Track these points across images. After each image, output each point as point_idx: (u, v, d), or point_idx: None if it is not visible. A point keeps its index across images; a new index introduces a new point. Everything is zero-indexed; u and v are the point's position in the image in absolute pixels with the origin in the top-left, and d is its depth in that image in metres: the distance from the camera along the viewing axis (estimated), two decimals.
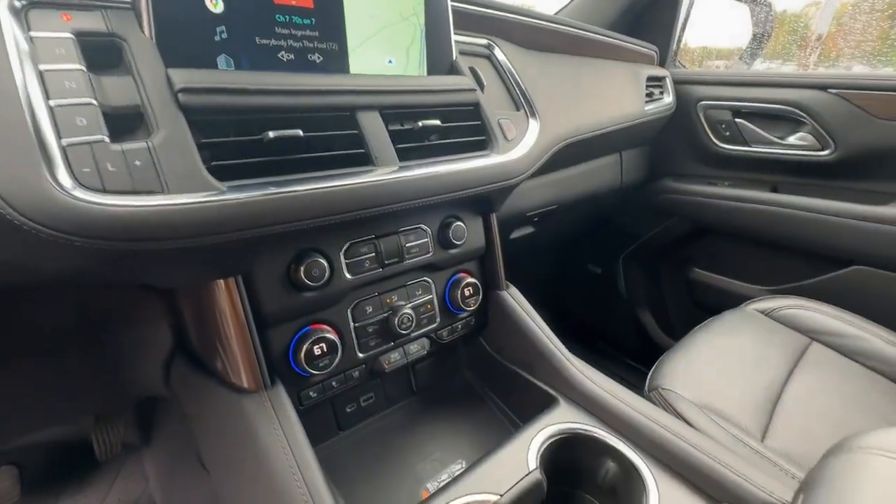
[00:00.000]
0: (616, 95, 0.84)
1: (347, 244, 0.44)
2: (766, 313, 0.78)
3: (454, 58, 0.53)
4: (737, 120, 0.96)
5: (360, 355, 0.47)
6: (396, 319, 0.47)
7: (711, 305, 0.86)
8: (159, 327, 0.47)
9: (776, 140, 0.92)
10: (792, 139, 0.90)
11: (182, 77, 0.33)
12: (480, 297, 0.55)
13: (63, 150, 0.28)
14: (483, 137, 0.52)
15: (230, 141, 0.35)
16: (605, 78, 0.84)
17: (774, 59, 1.38)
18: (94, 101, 0.30)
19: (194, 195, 0.31)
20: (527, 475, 0.40)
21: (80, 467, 0.70)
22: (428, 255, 0.50)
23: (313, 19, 0.43)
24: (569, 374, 0.50)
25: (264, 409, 0.39)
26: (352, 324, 0.46)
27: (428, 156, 0.47)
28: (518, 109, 0.60)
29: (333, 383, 0.46)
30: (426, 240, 0.50)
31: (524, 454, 0.42)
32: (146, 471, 0.70)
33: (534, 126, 0.58)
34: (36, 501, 0.66)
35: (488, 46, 0.62)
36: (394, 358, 0.50)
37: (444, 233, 0.51)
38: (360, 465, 0.50)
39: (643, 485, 0.40)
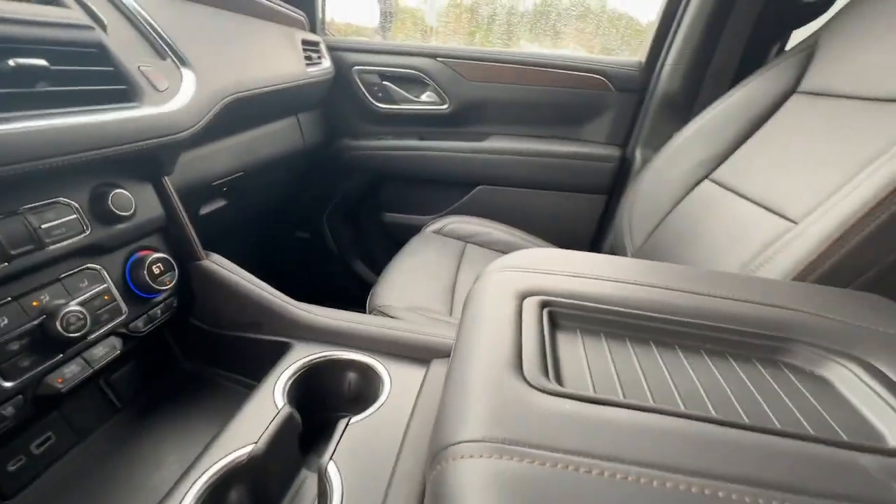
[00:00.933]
0: (276, 54, 0.85)
1: None
2: (436, 231, 1.01)
3: None
4: (384, 82, 1.15)
5: (8, 384, 0.34)
6: (59, 322, 0.36)
7: (405, 239, 1.05)
8: None
9: (413, 98, 1.16)
10: (423, 97, 1.16)
11: None
12: (177, 273, 0.49)
13: None
14: (125, 87, 0.44)
15: None
16: (262, 37, 0.83)
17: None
18: None
19: None
20: (277, 413, 0.40)
21: None
22: (83, 236, 0.40)
23: None
24: (299, 317, 0.52)
25: None
26: None
27: (43, 107, 0.36)
28: (163, 59, 0.53)
29: None
30: (74, 216, 0.39)
31: (270, 399, 0.42)
32: None
33: (189, 76, 0.53)
34: None
35: None
36: (70, 372, 0.38)
37: (101, 204, 0.41)
38: None
39: (378, 375, 0.48)
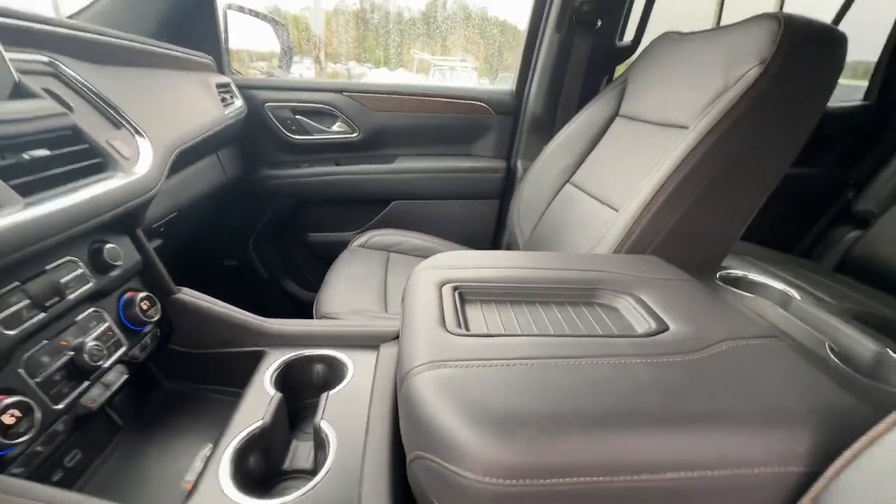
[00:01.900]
0: (199, 102, 0.94)
1: None
2: (362, 245, 1.16)
3: (17, 80, 0.50)
4: (296, 116, 1.26)
5: (59, 406, 0.43)
6: (86, 356, 0.46)
7: (332, 256, 1.17)
8: None
9: (325, 129, 1.29)
10: (335, 127, 1.30)
11: None
12: (159, 307, 0.59)
13: None
14: (99, 160, 0.54)
15: None
16: (185, 87, 0.91)
17: (297, 55, 1.76)
18: None
19: None
20: (272, 398, 0.54)
21: None
22: (90, 285, 0.49)
23: None
24: (268, 329, 0.65)
25: None
26: (31, 381, 0.41)
27: (51, 186, 0.45)
28: (118, 128, 0.62)
29: (39, 448, 0.41)
30: (81, 270, 0.49)
31: (263, 390, 0.55)
32: None
33: (144, 141, 0.63)
34: None
35: (51, 64, 0.58)
36: (96, 394, 0.48)
37: (98, 258, 0.51)
38: None
39: (342, 362, 0.63)
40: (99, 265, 0.51)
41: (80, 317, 0.49)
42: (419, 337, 0.42)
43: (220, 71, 1.19)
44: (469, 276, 0.54)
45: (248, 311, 0.66)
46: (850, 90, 1.55)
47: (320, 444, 0.50)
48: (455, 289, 0.51)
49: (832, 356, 0.66)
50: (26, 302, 0.42)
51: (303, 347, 0.64)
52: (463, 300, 0.51)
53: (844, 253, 1.36)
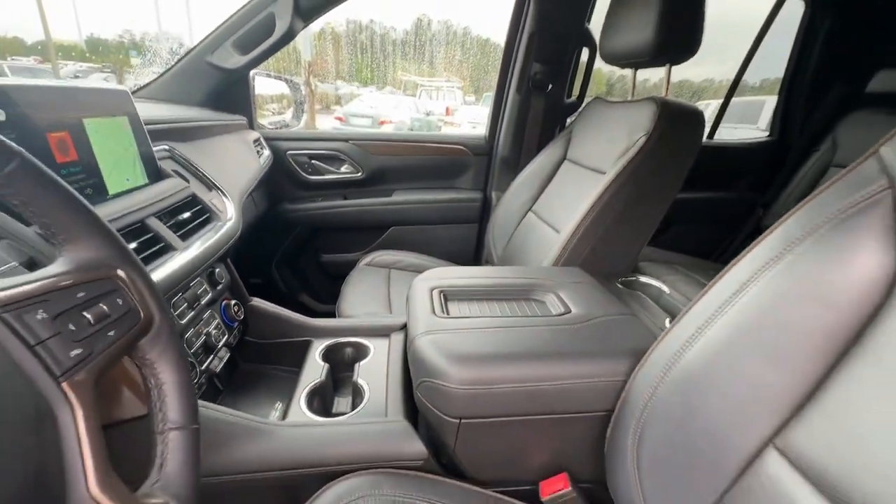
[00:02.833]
0: (245, 157, 1.23)
1: (170, 303, 0.67)
2: (367, 264, 1.45)
3: (158, 166, 0.79)
4: (312, 161, 1.56)
5: (201, 368, 0.71)
6: (212, 339, 0.74)
7: (340, 273, 1.45)
8: None
9: (335, 170, 1.59)
10: (344, 168, 1.60)
11: None
12: (242, 310, 0.87)
13: None
14: (208, 215, 0.82)
15: None
16: (235, 148, 1.20)
17: (288, 73, 2.03)
18: None
19: None
20: (323, 367, 0.82)
21: None
22: (210, 295, 0.78)
23: (81, 167, 0.62)
24: (313, 325, 0.93)
25: None
26: (188, 352, 0.70)
27: (193, 234, 0.74)
28: (211, 189, 0.91)
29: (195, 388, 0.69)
30: (204, 286, 0.77)
31: (316, 363, 0.83)
32: None
33: (227, 198, 0.92)
34: None
35: (169, 150, 0.87)
36: (217, 363, 0.76)
37: (212, 278, 0.79)
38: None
39: (365, 345, 0.91)
40: (212, 282, 0.80)
41: (205, 315, 0.77)
42: (419, 320, 0.71)
43: (251, 126, 1.49)
44: (450, 284, 0.84)
45: None
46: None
47: (358, 393, 0.78)
48: (441, 292, 0.81)
49: (667, 324, 0.96)
50: (185, 304, 0.70)
51: (337, 337, 0.93)
52: (446, 298, 0.81)
53: None
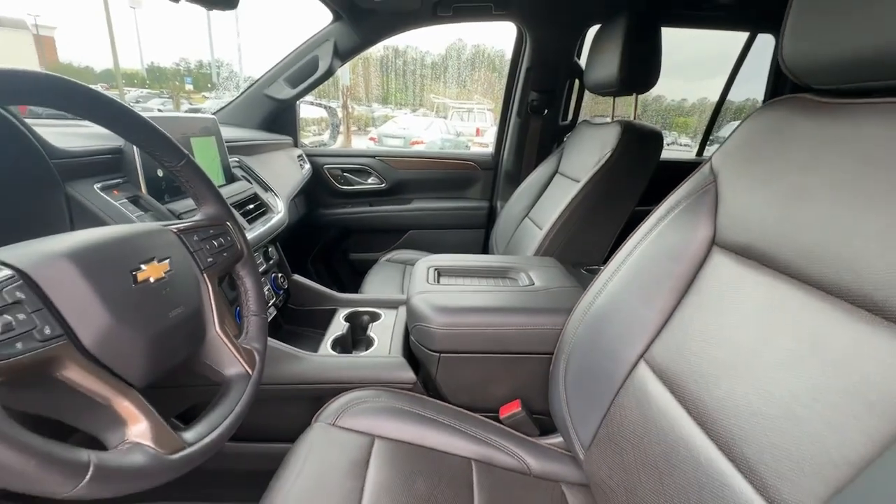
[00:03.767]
0: (291, 168, 1.53)
1: None
2: (388, 260, 1.71)
3: (232, 172, 1.08)
4: (344, 173, 1.86)
5: (272, 310, 0.98)
6: (271, 300, 1.01)
7: (365, 269, 1.71)
8: None
9: (363, 181, 1.88)
10: (370, 180, 1.88)
11: None
12: (287, 282, 1.14)
13: None
14: (265, 209, 1.11)
15: None
16: (284, 161, 1.51)
17: (328, 96, 2.37)
18: None
19: None
20: (345, 325, 1.07)
21: None
22: (264, 266, 1.05)
23: None
24: (339, 298, 1.19)
25: None
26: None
27: (255, 221, 1.02)
28: (267, 191, 1.19)
29: None
30: (260, 259, 1.05)
31: (340, 322, 1.08)
32: None
33: (278, 198, 1.20)
34: None
35: (239, 161, 1.17)
36: (272, 313, 1.03)
37: (266, 253, 1.07)
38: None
39: (378, 313, 1.15)
40: (266, 257, 1.07)
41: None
42: (416, 286, 0.96)
43: (295, 144, 1.80)
44: (444, 264, 1.08)
45: None
46: None
47: (369, 342, 1.02)
48: (436, 269, 1.05)
49: None
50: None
51: (357, 306, 1.18)
52: (440, 274, 1.05)
53: None
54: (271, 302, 1.07)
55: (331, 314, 1.14)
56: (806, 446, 0.39)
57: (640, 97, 1.35)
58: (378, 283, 1.49)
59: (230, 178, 1.07)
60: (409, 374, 0.88)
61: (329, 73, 1.53)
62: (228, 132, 1.32)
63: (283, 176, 1.40)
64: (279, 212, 1.13)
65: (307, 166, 1.74)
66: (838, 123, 0.48)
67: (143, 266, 0.44)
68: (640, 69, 1.20)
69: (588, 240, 1.27)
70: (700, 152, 2.04)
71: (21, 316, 0.32)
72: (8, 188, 0.57)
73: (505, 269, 1.08)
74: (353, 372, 0.88)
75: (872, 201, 0.41)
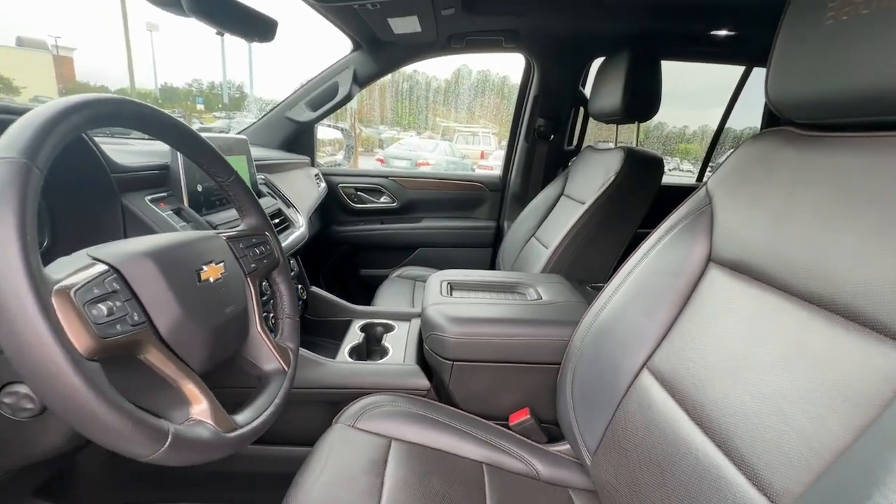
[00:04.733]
0: (309, 187, 1.61)
1: None
2: (398, 276, 1.77)
3: (259, 188, 1.16)
4: (358, 192, 1.94)
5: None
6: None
7: (375, 285, 1.77)
8: None
9: (375, 200, 1.96)
10: (383, 199, 1.96)
11: None
12: (306, 292, 1.20)
13: None
14: (289, 223, 1.17)
15: None
16: (302, 179, 1.59)
17: (336, 117, 2.47)
18: None
19: None
20: (361, 336, 1.12)
21: None
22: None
23: None
24: (354, 310, 1.24)
25: None
26: None
27: (279, 234, 1.09)
28: (289, 207, 1.26)
29: None
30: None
31: (356, 332, 1.13)
32: None
33: (299, 214, 1.27)
34: None
35: (265, 179, 1.24)
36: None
37: (291, 267, 1.13)
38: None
39: (392, 325, 1.20)
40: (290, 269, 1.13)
41: None
42: (430, 298, 1.01)
43: (312, 164, 1.89)
44: (457, 279, 1.13)
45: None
46: None
47: (384, 352, 1.07)
48: (449, 283, 1.11)
49: None
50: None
51: (371, 318, 1.23)
52: (452, 287, 1.10)
53: None
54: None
55: (346, 325, 1.19)
56: (793, 439, 0.44)
57: (642, 124, 1.43)
58: (389, 298, 1.54)
59: (258, 194, 1.13)
60: (423, 381, 0.93)
61: (348, 98, 1.63)
62: (254, 151, 1.40)
63: (302, 193, 1.47)
64: (301, 226, 1.20)
65: (323, 185, 1.82)
66: (817, 154, 0.55)
67: (204, 267, 0.50)
68: (642, 99, 1.28)
69: (592, 259, 1.33)
70: (700, 177, 2.12)
71: (118, 303, 0.38)
72: (77, 196, 0.64)
73: (514, 284, 1.13)
74: (370, 378, 0.92)
75: (847, 222, 0.47)
